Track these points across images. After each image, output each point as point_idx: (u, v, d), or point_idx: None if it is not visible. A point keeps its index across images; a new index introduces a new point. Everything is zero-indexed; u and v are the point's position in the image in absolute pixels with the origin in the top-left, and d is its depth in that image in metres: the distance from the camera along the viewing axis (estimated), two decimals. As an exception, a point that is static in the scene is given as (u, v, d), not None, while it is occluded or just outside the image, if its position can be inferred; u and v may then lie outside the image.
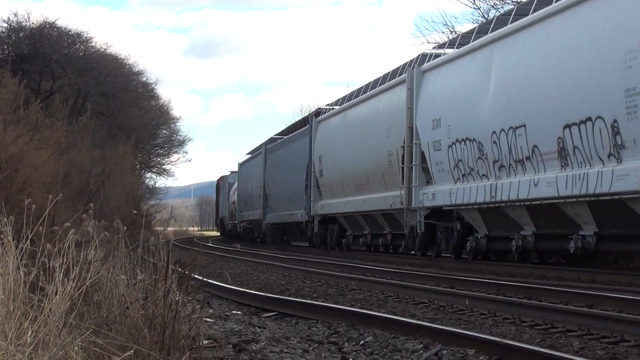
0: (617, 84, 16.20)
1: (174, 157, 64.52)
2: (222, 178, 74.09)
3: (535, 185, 19.12)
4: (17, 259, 6.05)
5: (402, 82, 26.96)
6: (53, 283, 5.90)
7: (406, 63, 28.32)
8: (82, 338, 5.86)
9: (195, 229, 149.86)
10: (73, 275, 5.97)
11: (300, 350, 8.24)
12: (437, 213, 24.78)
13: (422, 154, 25.15)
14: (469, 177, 22.40)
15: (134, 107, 50.90)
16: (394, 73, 29.61)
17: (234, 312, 11.87)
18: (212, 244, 49.86)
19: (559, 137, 18.16)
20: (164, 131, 61.86)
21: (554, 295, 12.87)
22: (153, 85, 54.87)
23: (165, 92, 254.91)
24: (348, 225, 33.63)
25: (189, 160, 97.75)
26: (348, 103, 33.68)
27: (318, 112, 38.26)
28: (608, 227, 17.62)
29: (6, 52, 41.71)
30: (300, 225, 40.22)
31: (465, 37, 24.66)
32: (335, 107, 36.41)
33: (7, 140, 16.88)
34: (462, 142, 22.49)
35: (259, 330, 9.79)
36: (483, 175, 21.59)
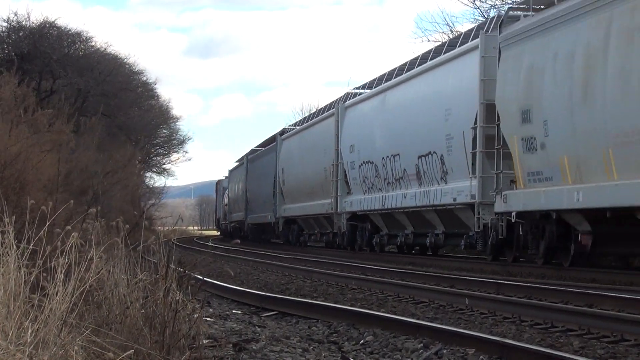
0: (442, 131, 24.14)
1: (173, 156, 64.58)
2: (219, 182, 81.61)
3: (405, 197, 26.93)
4: (18, 259, 6.05)
5: (332, 114, 35.09)
6: (54, 283, 5.90)
7: (338, 98, 36.18)
8: (82, 337, 5.87)
9: (196, 228, 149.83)
10: (74, 276, 5.97)
11: (301, 350, 8.24)
12: (357, 216, 32.45)
13: (345, 171, 33.33)
14: (371, 189, 30.44)
15: (134, 106, 50.78)
16: (330, 105, 37.57)
17: (234, 311, 11.88)
18: (212, 243, 50.00)
19: (416, 164, 26.20)
20: (164, 131, 61.83)
21: (554, 294, 12.87)
22: (153, 85, 54.83)
23: (165, 92, 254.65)
24: (304, 225, 41.42)
25: (189, 160, 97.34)
26: (302, 126, 42.22)
27: (283, 132, 46.27)
28: (451, 227, 24.90)
29: (6, 51, 41.68)
30: (271, 225, 47.56)
31: (372, 82, 32.36)
32: (295, 127, 44.90)
33: (10, 142, 16.88)
34: (366, 164, 30.74)
35: (259, 329, 9.79)
36: (378, 189, 29.66)
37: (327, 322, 10.28)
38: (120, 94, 46.31)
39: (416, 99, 26.35)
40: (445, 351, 7.96)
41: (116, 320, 6.47)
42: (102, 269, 6.51)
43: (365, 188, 30.82)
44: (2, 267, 5.99)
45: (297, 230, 42.52)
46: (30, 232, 6.24)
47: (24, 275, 6.00)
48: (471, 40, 23.13)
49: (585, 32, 16.95)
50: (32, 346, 5.50)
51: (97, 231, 6.66)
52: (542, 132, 18.24)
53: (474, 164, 22.12)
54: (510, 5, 22.36)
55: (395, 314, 10.96)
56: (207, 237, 73.26)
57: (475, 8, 41.34)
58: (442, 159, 24.18)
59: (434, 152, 24.68)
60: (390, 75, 30.01)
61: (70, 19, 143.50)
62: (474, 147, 22.11)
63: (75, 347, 5.71)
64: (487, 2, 37.08)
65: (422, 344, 8.33)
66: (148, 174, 63.98)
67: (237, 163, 65.04)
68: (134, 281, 6.85)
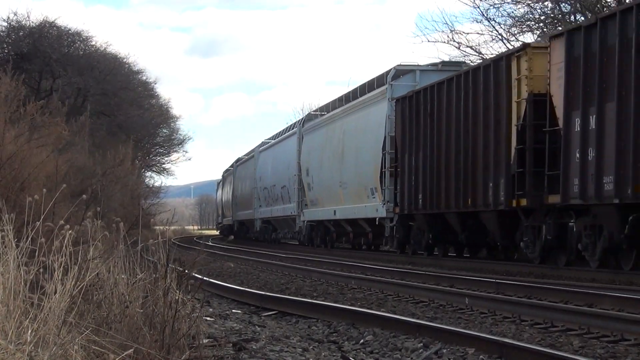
0: (287, 174, 43.20)
1: (173, 156, 64.56)
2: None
3: (278, 210, 45.36)
4: (17, 257, 6.04)
5: (252, 156, 54.86)
6: (52, 281, 5.89)
7: (257, 146, 54.80)
8: (82, 337, 5.86)
9: (195, 227, 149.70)
10: (72, 274, 5.96)
11: (300, 349, 8.24)
12: (264, 221, 50.97)
13: (258, 192, 51.48)
14: (267, 205, 48.98)
15: (134, 106, 50.71)
16: (251, 151, 56.99)
17: (233, 310, 11.86)
18: (212, 242, 50.10)
19: (281, 191, 44.64)
20: (164, 130, 61.81)
21: (554, 294, 12.86)
22: (153, 84, 54.81)
23: (167, 91, 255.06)
24: (248, 226, 58.95)
25: (189, 159, 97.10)
26: (248, 156, 59.25)
27: (238, 160, 63.88)
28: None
29: (6, 51, 41.68)
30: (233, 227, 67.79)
31: (277, 135, 50.39)
32: (244, 157, 61.66)
33: (6, 139, 16.83)
34: (265, 189, 49.40)
35: (258, 329, 9.78)
36: (270, 204, 48.12)
37: (327, 322, 10.27)
38: (120, 93, 46.31)
39: (281, 154, 45.64)
40: (445, 351, 7.95)
41: (116, 320, 6.47)
42: (100, 266, 6.50)
43: (266, 204, 49.49)
44: (2, 266, 5.98)
45: (245, 229, 61.34)
46: (29, 230, 6.23)
47: (23, 273, 5.99)
48: (297, 127, 42.16)
49: (322, 135, 37.09)
50: (31, 345, 5.49)
51: (96, 230, 6.65)
52: (312, 181, 38.05)
53: (295, 194, 41.34)
54: (311, 111, 41.35)
55: (395, 314, 10.96)
56: (207, 237, 73.26)
57: (475, 7, 41.60)
58: (288, 190, 42.87)
59: (285, 185, 43.51)
60: (282, 132, 48.32)
61: (71, 17, 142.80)
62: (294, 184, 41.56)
63: (75, 347, 5.70)
64: (487, 1, 37.18)
65: (422, 344, 8.33)
66: (148, 174, 63.94)
67: (222, 177, 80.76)
68: (133, 280, 6.84)
